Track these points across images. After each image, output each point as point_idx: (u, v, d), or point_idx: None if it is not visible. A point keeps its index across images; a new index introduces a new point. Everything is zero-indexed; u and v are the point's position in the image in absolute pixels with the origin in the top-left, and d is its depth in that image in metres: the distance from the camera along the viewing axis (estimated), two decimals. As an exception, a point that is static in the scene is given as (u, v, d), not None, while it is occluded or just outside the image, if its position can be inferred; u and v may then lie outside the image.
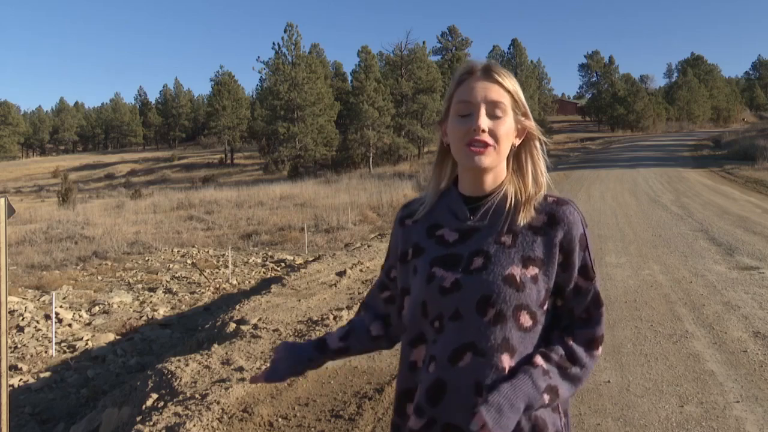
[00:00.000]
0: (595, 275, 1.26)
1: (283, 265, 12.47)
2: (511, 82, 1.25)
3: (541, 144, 1.30)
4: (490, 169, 1.24)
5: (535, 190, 1.26)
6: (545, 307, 1.22)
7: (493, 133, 1.21)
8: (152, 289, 11.06)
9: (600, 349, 1.27)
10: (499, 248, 1.21)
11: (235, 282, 11.21)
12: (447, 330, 1.20)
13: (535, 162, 1.29)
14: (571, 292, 1.25)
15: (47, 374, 6.62)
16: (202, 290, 10.74)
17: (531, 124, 1.27)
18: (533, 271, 1.20)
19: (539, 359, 1.19)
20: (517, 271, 1.19)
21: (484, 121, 1.20)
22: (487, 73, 1.24)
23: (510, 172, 1.29)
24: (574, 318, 1.26)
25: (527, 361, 1.19)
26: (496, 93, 1.22)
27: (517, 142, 1.28)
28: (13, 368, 6.73)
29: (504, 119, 1.22)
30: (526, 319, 1.19)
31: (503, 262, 1.19)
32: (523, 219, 1.23)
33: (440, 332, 1.21)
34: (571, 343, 1.23)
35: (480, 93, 1.22)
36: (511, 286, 1.17)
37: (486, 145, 1.20)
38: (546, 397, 1.16)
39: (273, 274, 11.29)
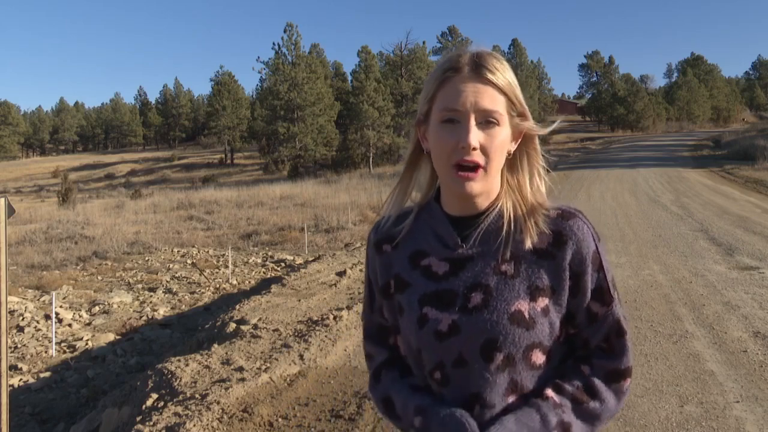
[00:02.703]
0: (614, 299, 1.06)
1: (283, 265, 12.46)
2: (506, 78, 1.02)
3: (539, 144, 1.10)
4: (481, 194, 1.05)
5: (537, 201, 1.07)
6: (561, 339, 1.06)
7: (485, 149, 1.00)
8: (152, 289, 11.06)
9: (626, 383, 1.08)
10: (501, 279, 1.02)
11: (235, 282, 11.21)
12: (452, 380, 1.03)
13: (533, 167, 1.09)
14: (584, 319, 1.05)
15: (47, 374, 6.62)
16: (202, 290, 10.74)
17: (529, 125, 1.06)
18: (543, 302, 1.02)
19: (550, 391, 1.02)
20: (524, 305, 1.00)
21: (475, 137, 0.99)
22: (477, 71, 1.01)
23: (505, 183, 1.08)
24: (590, 348, 1.08)
25: (537, 394, 1.02)
26: (489, 99, 1.00)
27: (513, 146, 1.06)
28: (13, 368, 6.73)
29: (498, 129, 1.01)
30: (538, 357, 1.02)
31: (507, 297, 1.01)
32: (529, 240, 1.03)
33: (445, 385, 1.03)
34: (588, 373, 1.05)
35: (469, 99, 0.99)
36: (519, 324, 0.99)
37: (476, 167, 1.00)
38: None
39: (273, 274, 11.29)
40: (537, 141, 1.09)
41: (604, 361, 1.07)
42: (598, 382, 1.05)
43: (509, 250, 1.04)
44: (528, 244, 1.03)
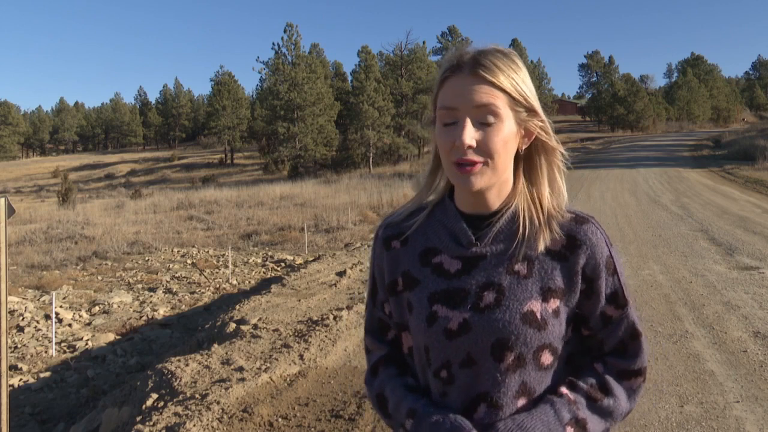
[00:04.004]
0: (628, 302, 1.08)
1: (283, 265, 12.46)
2: (508, 76, 1.00)
3: (557, 140, 1.07)
4: (486, 189, 1.04)
5: (555, 202, 1.06)
6: (567, 338, 1.06)
7: (483, 147, 0.98)
8: (152, 289, 11.05)
9: (638, 381, 1.08)
10: (514, 279, 1.02)
11: (235, 282, 11.21)
12: (458, 380, 1.02)
13: (552, 166, 1.07)
14: (598, 322, 1.06)
15: (47, 374, 6.62)
16: (202, 290, 10.74)
17: (539, 123, 1.04)
18: (555, 304, 1.02)
19: (564, 388, 1.03)
20: (537, 306, 1.00)
21: (470, 135, 0.97)
22: (475, 69, 0.99)
23: (521, 181, 1.07)
24: (604, 349, 1.09)
25: (551, 392, 1.03)
26: (486, 95, 0.98)
27: (526, 143, 1.05)
28: (13, 368, 6.72)
29: (498, 126, 0.99)
30: (547, 358, 1.02)
31: (520, 297, 1.01)
32: (543, 242, 1.03)
33: (450, 383, 1.03)
34: (601, 371, 1.06)
35: (464, 97, 0.98)
36: (531, 325, 0.99)
37: (475, 163, 0.99)
38: (570, 430, 1.00)
39: (273, 274, 11.29)
40: (553, 138, 1.07)
41: (618, 360, 1.07)
42: (611, 380, 1.05)
43: (523, 250, 1.03)
44: (541, 246, 1.03)
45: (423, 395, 1.07)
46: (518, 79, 1.01)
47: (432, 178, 1.13)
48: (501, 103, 0.99)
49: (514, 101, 1.01)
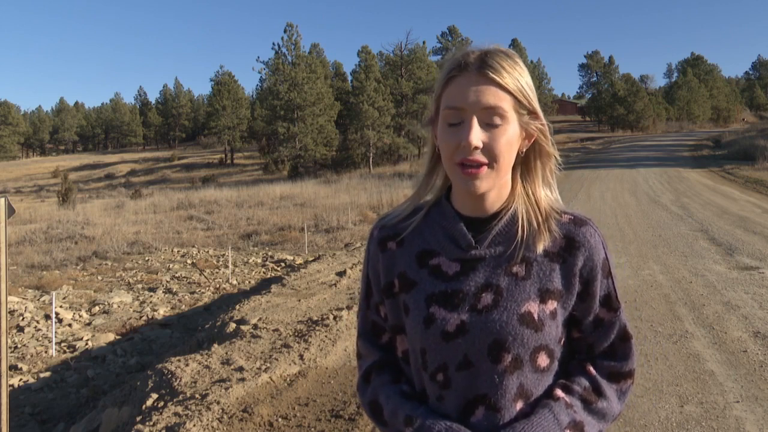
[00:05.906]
0: (620, 305, 1.08)
1: (283, 265, 12.46)
2: (514, 78, 1.00)
3: (554, 144, 1.08)
4: (487, 191, 1.03)
5: (550, 205, 1.07)
6: (562, 341, 1.06)
7: (489, 149, 0.98)
8: (152, 289, 11.05)
9: (627, 383, 1.09)
10: (512, 281, 1.02)
11: (235, 282, 11.21)
12: (454, 383, 1.01)
13: (547, 168, 1.08)
14: (590, 324, 1.07)
15: (47, 374, 6.62)
16: (202, 290, 10.74)
17: (540, 125, 1.04)
18: (552, 305, 1.02)
19: (559, 392, 1.03)
20: (534, 307, 1.00)
21: (477, 136, 0.97)
22: (481, 70, 0.98)
23: (518, 184, 1.07)
24: (594, 351, 1.09)
25: (546, 395, 1.03)
26: (493, 97, 0.97)
27: (526, 146, 1.05)
28: (13, 368, 6.72)
29: (504, 128, 0.98)
30: (543, 360, 1.02)
31: (517, 298, 1.01)
32: (541, 243, 1.03)
33: (447, 387, 1.02)
34: (594, 373, 1.07)
35: (472, 98, 0.97)
36: (528, 326, 0.99)
37: (480, 165, 0.98)
38: None
39: (273, 274, 11.29)
40: (551, 142, 1.08)
41: (609, 362, 1.09)
42: (603, 382, 1.06)
43: (522, 252, 1.03)
44: (540, 248, 1.03)
45: (420, 403, 1.06)
46: (523, 82, 1.01)
47: (428, 179, 1.12)
48: (507, 105, 0.99)
49: (519, 104, 1.01)
